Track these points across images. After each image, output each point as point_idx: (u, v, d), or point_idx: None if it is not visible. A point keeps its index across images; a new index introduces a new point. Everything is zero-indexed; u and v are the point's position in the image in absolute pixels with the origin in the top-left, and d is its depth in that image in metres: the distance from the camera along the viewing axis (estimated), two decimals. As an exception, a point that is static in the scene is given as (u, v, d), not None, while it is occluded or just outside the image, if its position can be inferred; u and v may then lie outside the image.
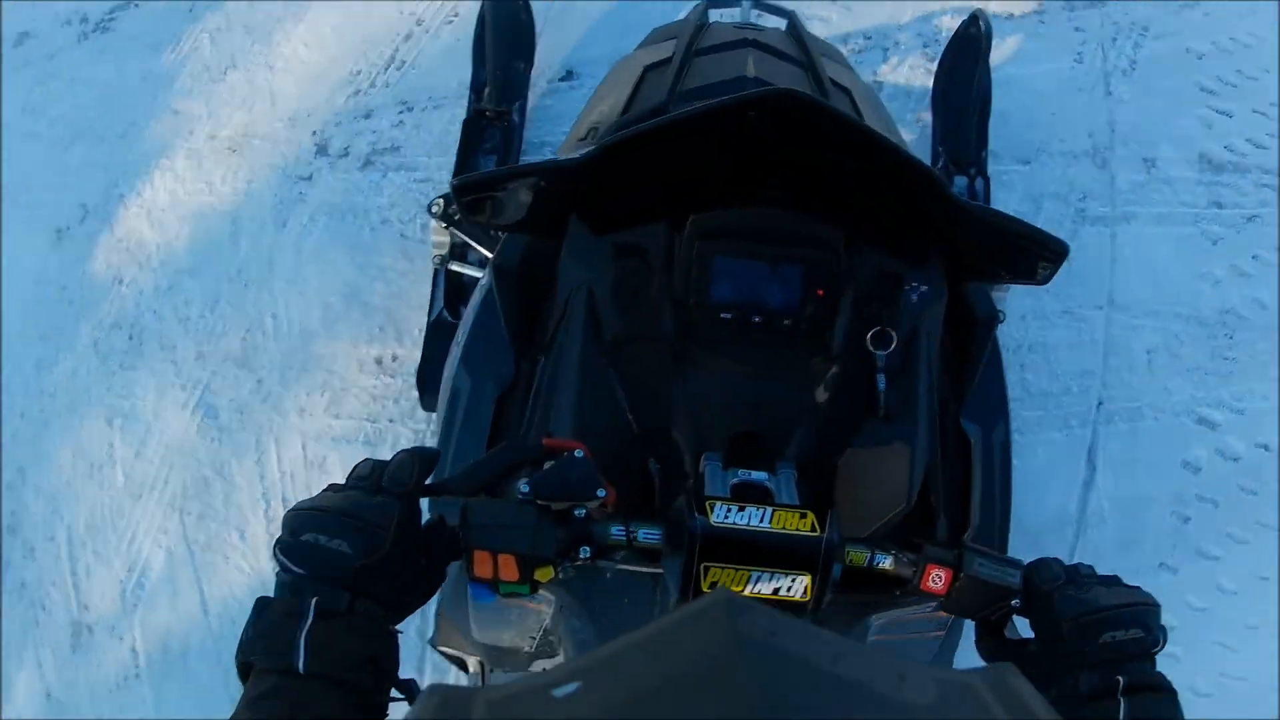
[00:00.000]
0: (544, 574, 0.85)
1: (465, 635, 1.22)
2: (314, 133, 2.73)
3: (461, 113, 2.52)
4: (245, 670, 0.76)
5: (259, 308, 2.57)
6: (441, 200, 1.91)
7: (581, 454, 0.87)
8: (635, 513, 0.91)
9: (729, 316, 1.08)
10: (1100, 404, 2.14)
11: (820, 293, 1.08)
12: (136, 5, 3.19)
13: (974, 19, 2.25)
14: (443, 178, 2.51)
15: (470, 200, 1.10)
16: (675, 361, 1.10)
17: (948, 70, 2.29)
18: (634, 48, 1.74)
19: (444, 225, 1.95)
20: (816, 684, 0.44)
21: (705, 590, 0.84)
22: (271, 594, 0.80)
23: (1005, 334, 2.15)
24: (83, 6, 3.29)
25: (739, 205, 1.08)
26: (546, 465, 0.89)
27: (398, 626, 0.83)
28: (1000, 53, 2.44)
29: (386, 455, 0.86)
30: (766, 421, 1.08)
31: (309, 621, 0.74)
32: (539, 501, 0.85)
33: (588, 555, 0.87)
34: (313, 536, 0.78)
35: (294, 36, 2.89)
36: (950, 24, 2.41)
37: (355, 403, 2.44)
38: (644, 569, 0.98)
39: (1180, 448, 2.12)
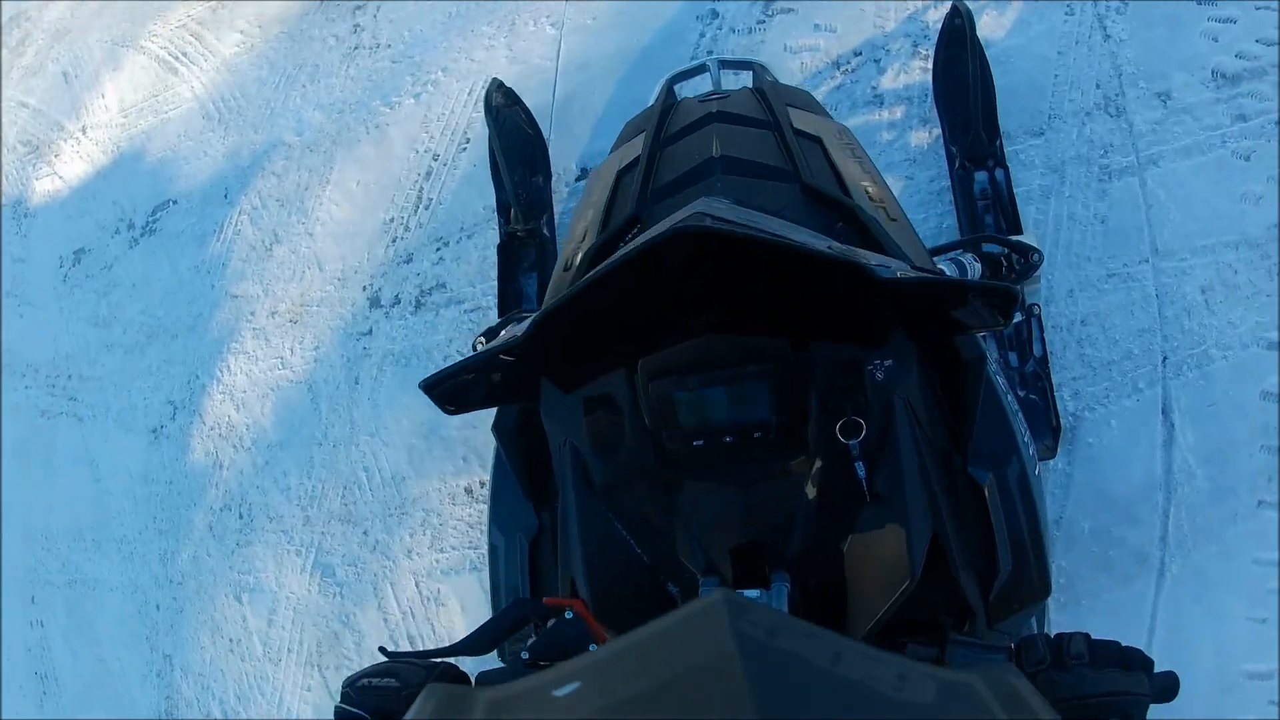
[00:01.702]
0: None
1: None
2: (364, 288, 2.85)
3: (494, 234, 2.60)
4: None
5: (350, 465, 2.70)
6: (483, 336, 1.95)
7: (573, 614, 0.94)
8: None
9: (701, 443, 1.09)
10: (1165, 359, 2.04)
11: (781, 401, 1.07)
12: (175, 202, 3.38)
13: (954, 10, 2.15)
14: (490, 303, 2.59)
15: (442, 394, 1.13)
16: (666, 492, 1.12)
17: (942, 68, 2.19)
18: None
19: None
20: (816, 684, 0.44)
21: None
22: None
23: (1055, 314, 2.10)
24: (126, 213, 3.51)
25: (682, 338, 1.09)
26: (550, 622, 0.96)
27: None
28: (992, 30, 2.36)
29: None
30: (763, 529, 1.08)
31: None
32: (540, 663, 0.92)
33: None
34: (366, 681, 0.88)
35: (325, 199, 3.02)
36: (937, 16, 2.26)
37: (454, 534, 2.53)
38: None
39: (1256, 379, 1.99)
